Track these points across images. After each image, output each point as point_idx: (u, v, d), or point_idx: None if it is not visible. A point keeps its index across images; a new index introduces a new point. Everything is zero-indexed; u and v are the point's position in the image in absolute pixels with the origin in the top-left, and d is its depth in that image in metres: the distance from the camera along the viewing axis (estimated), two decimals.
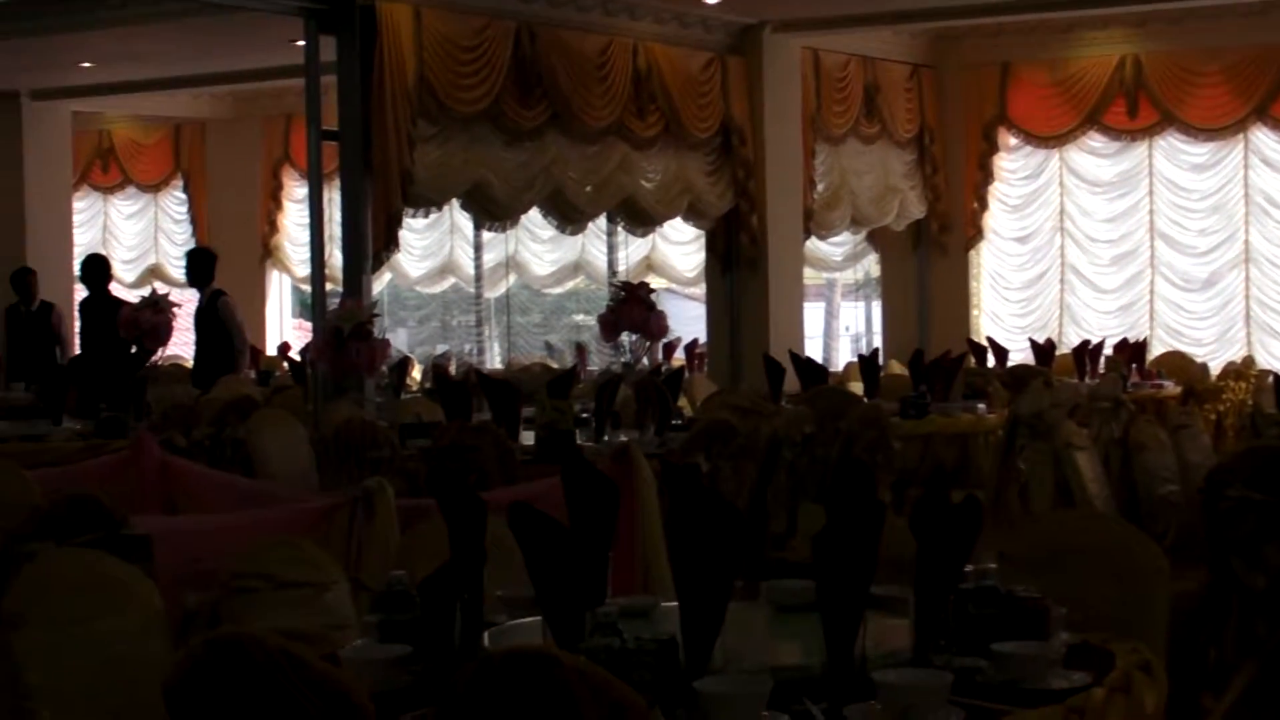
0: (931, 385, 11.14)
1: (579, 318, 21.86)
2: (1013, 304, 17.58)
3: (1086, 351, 13.78)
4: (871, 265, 18.98)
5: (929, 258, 17.64)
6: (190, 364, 14.03)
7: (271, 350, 18.37)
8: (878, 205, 16.61)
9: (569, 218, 13.94)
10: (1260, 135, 16.27)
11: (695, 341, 16.29)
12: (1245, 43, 15.98)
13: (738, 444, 8.57)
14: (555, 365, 15.67)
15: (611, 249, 17.08)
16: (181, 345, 14.46)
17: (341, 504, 5.99)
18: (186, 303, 12.73)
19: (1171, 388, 13.28)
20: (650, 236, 16.96)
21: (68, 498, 5.16)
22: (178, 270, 18.15)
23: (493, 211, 13.33)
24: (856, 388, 12.16)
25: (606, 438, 9.29)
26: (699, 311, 17.06)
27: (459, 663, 3.39)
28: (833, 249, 17.70)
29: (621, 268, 17.00)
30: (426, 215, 13.64)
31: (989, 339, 15.36)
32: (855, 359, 14.61)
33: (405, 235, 13.80)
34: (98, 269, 13.88)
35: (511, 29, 12.95)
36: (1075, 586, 4.13)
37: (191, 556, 5.16)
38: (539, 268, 19.16)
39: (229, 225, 19.84)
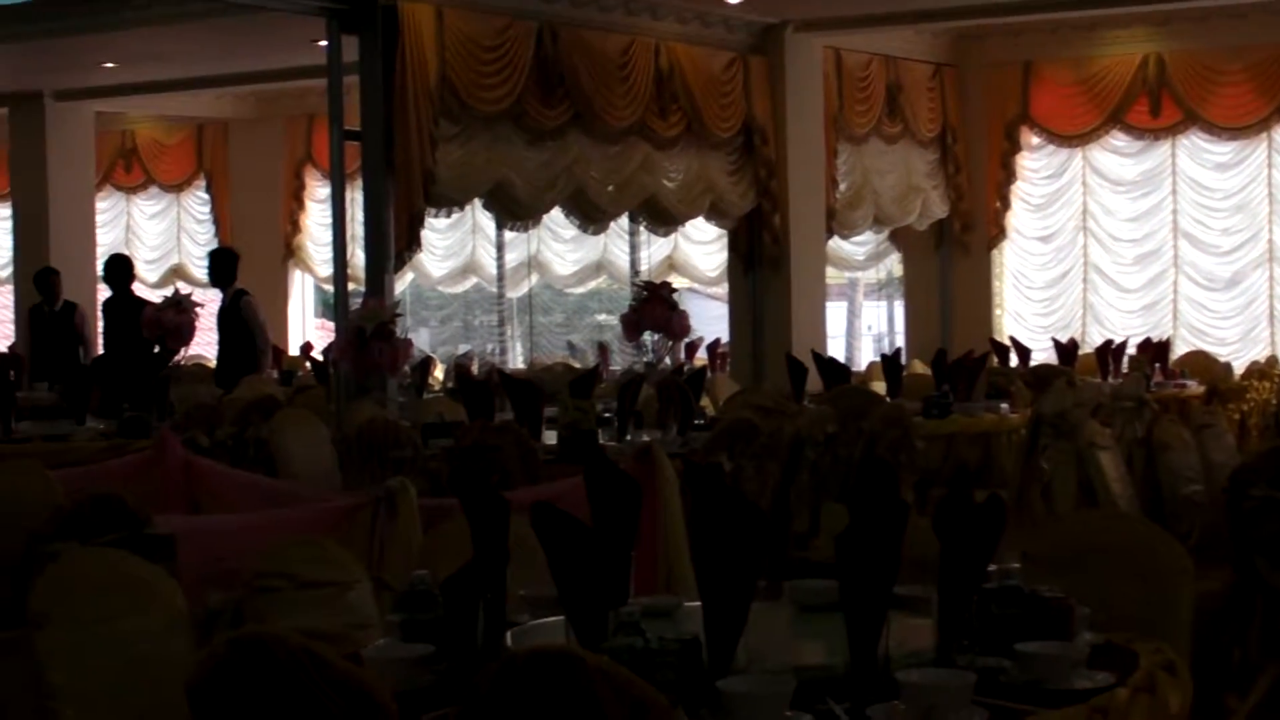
0: (954, 385, 11.13)
1: (601, 317, 21.89)
2: (1035, 303, 17.55)
3: (1110, 351, 13.75)
4: (894, 265, 18.97)
5: (951, 257, 17.61)
6: (213, 364, 14.03)
7: (294, 350, 18.40)
8: (900, 204, 16.60)
9: (591, 217, 13.94)
10: None
11: (718, 341, 16.29)
12: (1269, 41, 15.93)
13: (760, 443, 8.57)
14: (577, 365, 15.66)
15: (634, 249, 17.07)
16: (204, 345, 14.47)
17: (364, 503, 5.99)
18: (209, 302, 12.74)
19: (1195, 387, 13.26)
20: (672, 236, 16.95)
21: (91, 497, 5.18)
22: (200, 270, 18.20)
23: (515, 211, 13.32)
24: (879, 387, 12.14)
25: (629, 437, 9.29)
26: (721, 311, 17.06)
27: (482, 662, 3.39)
28: (855, 248, 17.71)
29: (644, 267, 17.00)
30: (449, 215, 13.66)
31: (1012, 338, 15.34)
32: (878, 358, 14.62)
33: (427, 235, 13.82)
34: (121, 269, 13.91)
35: (533, 29, 12.95)
36: (1099, 586, 4.12)
37: (214, 556, 5.17)
38: (561, 267, 19.17)
39: (251, 225, 19.89)
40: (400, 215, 12.01)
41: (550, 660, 2.80)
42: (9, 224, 19.10)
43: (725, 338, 16.15)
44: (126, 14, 13.83)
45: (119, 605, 4.12)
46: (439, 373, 15.59)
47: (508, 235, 18.30)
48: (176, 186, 21.07)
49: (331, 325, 15.33)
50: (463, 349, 19.13)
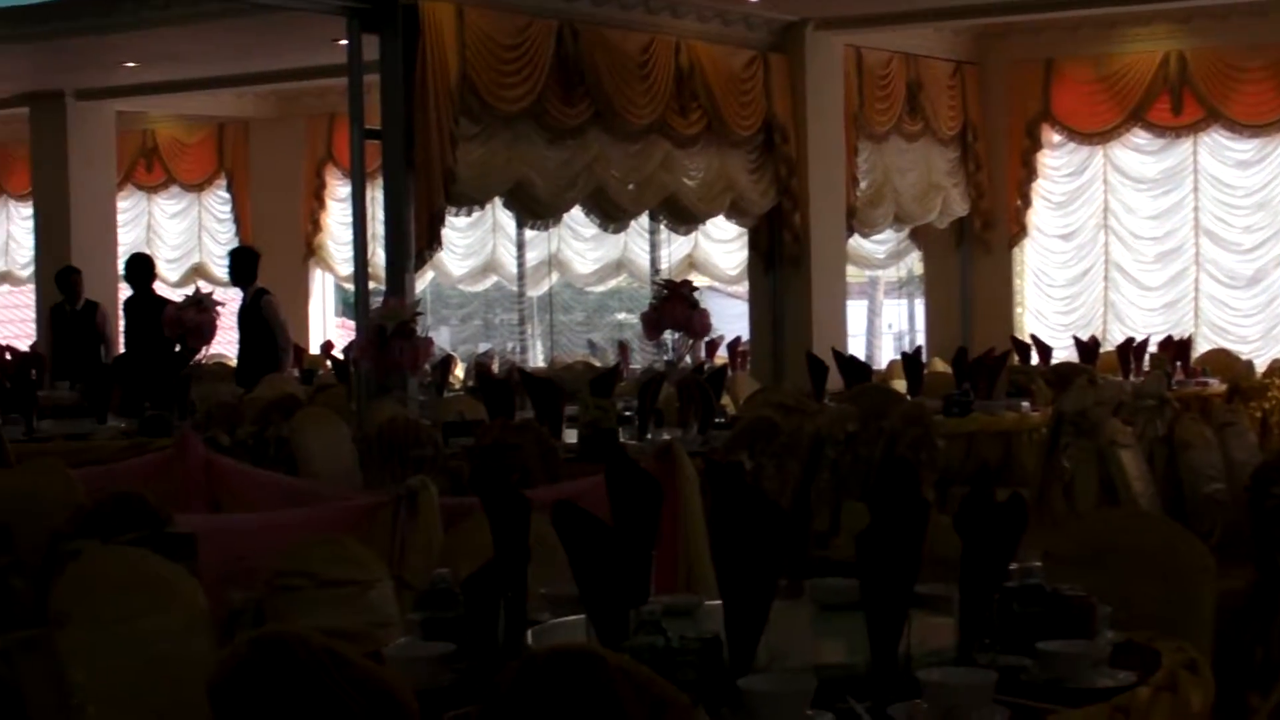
0: (975, 383, 11.12)
1: (621, 316, 21.88)
2: (1056, 301, 17.51)
3: (1131, 349, 13.71)
4: (914, 263, 18.93)
5: (972, 255, 17.58)
6: (234, 362, 14.06)
7: (315, 349, 18.40)
8: (921, 202, 16.57)
9: (611, 216, 13.93)
10: None
11: (738, 339, 16.29)
12: None
13: (781, 442, 8.56)
14: (598, 363, 15.65)
15: (654, 247, 17.07)
16: (225, 344, 14.49)
17: (385, 502, 6.00)
18: (230, 301, 12.73)
19: (1216, 385, 13.22)
20: (693, 235, 16.95)
21: (112, 496, 5.18)
22: (221, 269, 18.21)
23: (535, 210, 13.32)
24: (900, 386, 12.12)
25: (649, 436, 9.29)
26: (741, 309, 17.05)
27: (503, 661, 3.39)
28: (876, 247, 17.68)
29: (664, 266, 17.00)
30: (469, 214, 13.65)
31: (1033, 336, 15.30)
32: (898, 357, 14.58)
33: (448, 234, 13.79)
34: (142, 268, 13.93)
35: (554, 27, 12.95)
36: (1120, 585, 4.12)
37: (235, 555, 5.17)
38: (581, 266, 19.18)
39: (272, 224, 19.92)
40: (421, 214, 12.02)
41: (571, 659, 2.80)
42: (31, 223, 19.17)
43: (746, 336, 16.14)
44: (147, 14, 13.86)
45: (140, 604, 4.13)
46: (459, 371, 15.61)
47: (528, 234, 18.31)
48: (197, 186, 21.09)
49: (352, 324, 15.38)
50: (483, 347, 19.13)
